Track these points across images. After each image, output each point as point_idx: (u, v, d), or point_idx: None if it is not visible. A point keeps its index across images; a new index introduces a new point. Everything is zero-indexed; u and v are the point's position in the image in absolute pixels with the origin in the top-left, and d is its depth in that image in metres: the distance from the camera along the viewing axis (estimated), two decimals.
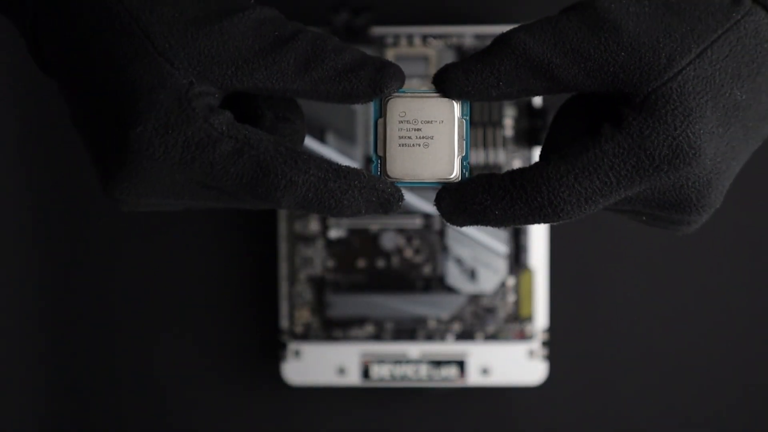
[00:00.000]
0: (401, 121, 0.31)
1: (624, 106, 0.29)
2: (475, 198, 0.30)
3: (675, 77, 0.28)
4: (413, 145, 0.31)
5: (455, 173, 0.31)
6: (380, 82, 0.30)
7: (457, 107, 0.31)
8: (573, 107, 0.32)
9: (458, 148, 0.31)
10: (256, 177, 0.28)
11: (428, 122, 0.31)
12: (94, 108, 0.29)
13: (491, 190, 0.30)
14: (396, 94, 0.31)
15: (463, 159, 0.31)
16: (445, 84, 0.31)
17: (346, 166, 0.30)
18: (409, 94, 0.31)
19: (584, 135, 0.30)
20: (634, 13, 0.28)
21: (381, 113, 0.31)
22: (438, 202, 0.31)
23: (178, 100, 0.28)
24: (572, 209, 0.29)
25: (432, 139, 0.31)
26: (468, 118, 0.32)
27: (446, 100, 0.31)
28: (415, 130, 0.31)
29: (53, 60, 0.30)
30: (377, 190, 0.30)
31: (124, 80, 0.28)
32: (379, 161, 0.32)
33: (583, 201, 0.29)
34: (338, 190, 0.29)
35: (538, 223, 0.30)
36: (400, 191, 0.31)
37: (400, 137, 0.31)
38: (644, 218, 0.33)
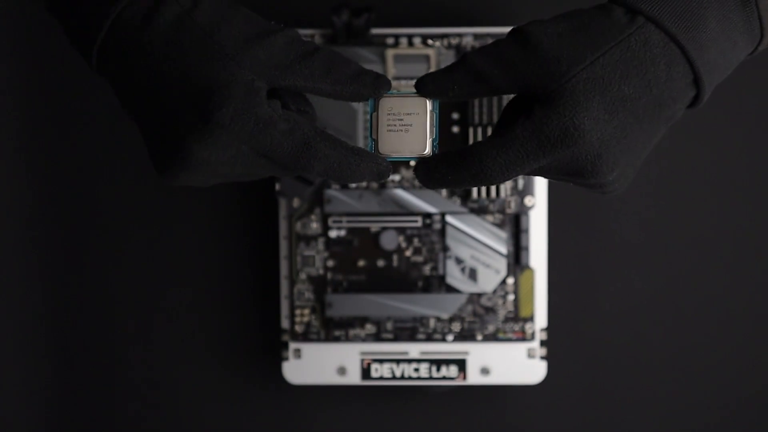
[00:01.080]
0: (389, 114, 0.42)
1: (534, 102, 0.40)
2: (437, 168, 0.41)
3: (570, 80, 0.39)
4: (397, 130, 0.42)
5: (427, 150, 0.42)
6: (377, 86, 0.42)
7: (429, 103, 0.42)
8: (512, 104, 0.43)
9: (429, 132, 0.42)
10: (301, 150, 0.40)
11: (408, 114, 0.42)
12: (171, 99, 0.38)
13: (447, 162, 0.41)
14: (386, 95, 0.43)
15: (434, 140, 0.43)
16: (419, 87, 0.42)
17: (357, 147, 0.41)
18: (395, 95, 0.43)
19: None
20: (550, 34, 0.39)
21: (375, 108, 0.43)
22: (415, 172, 0.42)
23: (248, 90, 0.38)
24: (497, 176, 0.40)
25: (411, 126, 0.42)
26: (437, 111, 0.43)
27: (421, 98, 0.42)
28: (398, 120, 0.42)
29: (123, 62, 0.40)
30: (377, 164, 0.41)
31: (205, 77, 0.38)
32: (373, 142, 0.43)
33: (504, 170, 0.40)
34: (354, 163, 0.41)
35: (479, 185, 0.41)
36: (390, 165, 0.42)
37: (388, 125, 0.42)
38: (571, 183, 0.43)
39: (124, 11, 0.39)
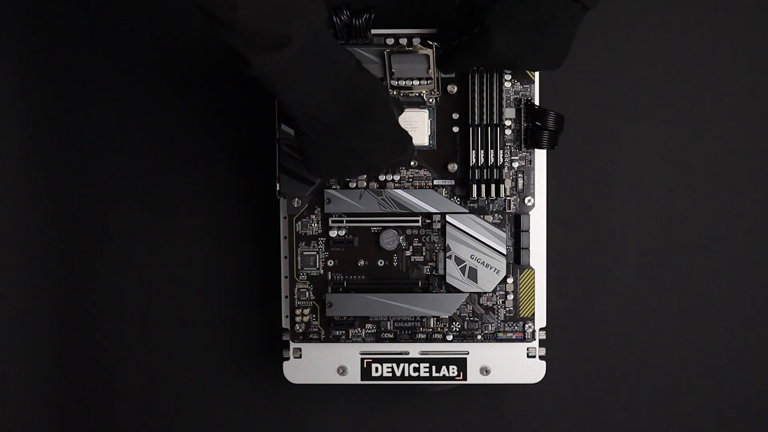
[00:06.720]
0: (406, 122, 0.67)
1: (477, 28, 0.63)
2: (439, 61, 0.65)
3: (489, 14, 0.59)
4: (411, 129, 0.67)
5: (426, 141, 0.68)
6: (403, 109, 0.67)
7: (426, 115, 0.67)
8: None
9: (427, 131, 0.68)
10: (409, 162, 0.67)
11: (415, 121, 0.67)
12: (369, 146, 0.60)
13: (443, 59, 0.65)
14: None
15: (429, 136, 0.68)
16: (439, 63, 0.66)
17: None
18: (409, 111, 0.68)
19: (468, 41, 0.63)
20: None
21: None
22: (437, 63, 0.65)
23: (406, 140, 0.61)
24: (462, 66, 0.64)
25: (417, 128, 0.67)
26: (434, 119, 0.67)
27: (422, 113, 0.68)
28: (409, 124, 0.67)
29: (332, 125, 0.59)
30: (414, 149, 0.65)
31: (390, 135, 0.61)
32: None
33: (463, 64, 0.63)
34: (413, 148, 0.63)
35: (456, 71, 0.67)
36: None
37: (407, 128, 0.66)
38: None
39: None
